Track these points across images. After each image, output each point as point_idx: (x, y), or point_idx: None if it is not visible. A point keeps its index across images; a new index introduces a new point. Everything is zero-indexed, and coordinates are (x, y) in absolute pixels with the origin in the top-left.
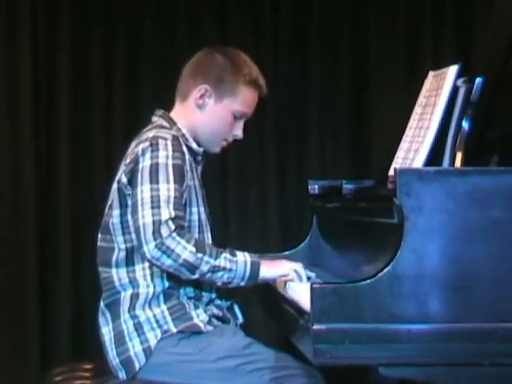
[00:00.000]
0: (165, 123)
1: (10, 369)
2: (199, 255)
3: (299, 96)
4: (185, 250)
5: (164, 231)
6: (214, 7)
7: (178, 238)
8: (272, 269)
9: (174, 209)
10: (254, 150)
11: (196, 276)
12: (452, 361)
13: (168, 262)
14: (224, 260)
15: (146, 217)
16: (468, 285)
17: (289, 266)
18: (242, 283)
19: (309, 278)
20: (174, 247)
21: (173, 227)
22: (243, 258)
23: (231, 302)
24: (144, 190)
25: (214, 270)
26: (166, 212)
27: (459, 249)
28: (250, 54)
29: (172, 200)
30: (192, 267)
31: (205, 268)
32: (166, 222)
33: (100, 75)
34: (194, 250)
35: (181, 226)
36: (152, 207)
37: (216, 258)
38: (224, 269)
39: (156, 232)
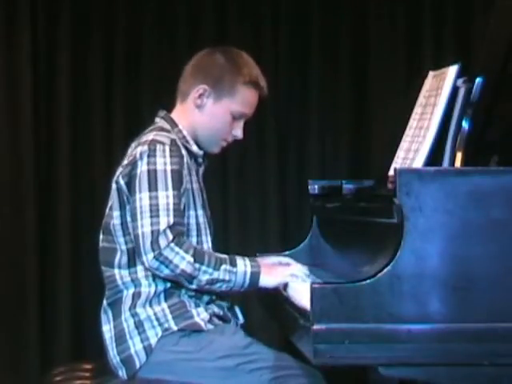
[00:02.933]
0: (166, 125)
1: (10, 369)
2: (197, 265)
3: (299, 96)
4: (183, 261)
5: (162, 242)
6: (214, 7)
7: (176, 249)
8: (271, 277)
9: (174, 216)
10: (253, 150)
11: (194, 286)
12: (452, 361)
13: (166, 271)
14: (223, 272)
15: (144, 226)
16: (468, 285)
17: (288, 271)
18: (242, 290)
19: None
20: (172, 258)
21: (171, 237)
22: (243, 267)
23: (231, 303)
24: (143, 198)
25: (213, 282)
26: (165, 221)
27: (459, 249)
28: (249, 54)
29: (171, 207)
30: (190, 277)
31: (203, 278)
32: (165, 231)
33: (100, 75)
34: (191, 260)
35: (180, 233)
36: (151, 216)
37: (215, 269)
38: (223, 280)
39: (154, 242)
